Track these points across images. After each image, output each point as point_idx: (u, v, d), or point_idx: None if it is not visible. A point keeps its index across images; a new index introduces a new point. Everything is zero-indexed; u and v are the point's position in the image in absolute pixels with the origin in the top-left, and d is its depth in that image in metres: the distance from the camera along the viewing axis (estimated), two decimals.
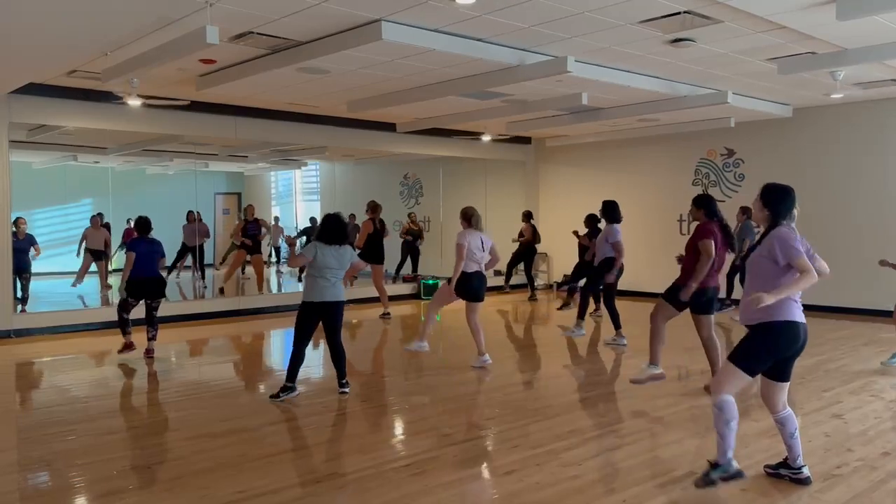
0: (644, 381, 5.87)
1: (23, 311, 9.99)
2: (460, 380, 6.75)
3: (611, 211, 8.44)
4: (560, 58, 7.28)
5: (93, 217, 12.39)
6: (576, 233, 10.78)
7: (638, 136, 12.81)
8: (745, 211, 10.08)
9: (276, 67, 7.29)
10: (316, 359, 7.76)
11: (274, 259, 16.89)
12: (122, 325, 7.64)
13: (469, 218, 6.93)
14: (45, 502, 3.97)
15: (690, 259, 5.91)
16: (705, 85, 9.19)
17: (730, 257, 6.23)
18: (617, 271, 8.43)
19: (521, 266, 13.24)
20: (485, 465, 4.55)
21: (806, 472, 4.01)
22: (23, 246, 9.93)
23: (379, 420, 5.59)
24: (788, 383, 3.96)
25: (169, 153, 13.60)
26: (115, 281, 11.91)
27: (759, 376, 3.91)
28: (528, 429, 5.14)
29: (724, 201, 12.12)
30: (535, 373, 7.45)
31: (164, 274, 8.10)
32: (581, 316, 8.33)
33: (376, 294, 11.00)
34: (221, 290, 12.43)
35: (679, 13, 6.04)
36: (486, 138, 13.57)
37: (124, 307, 7.63)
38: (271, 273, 16.31)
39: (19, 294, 10.05)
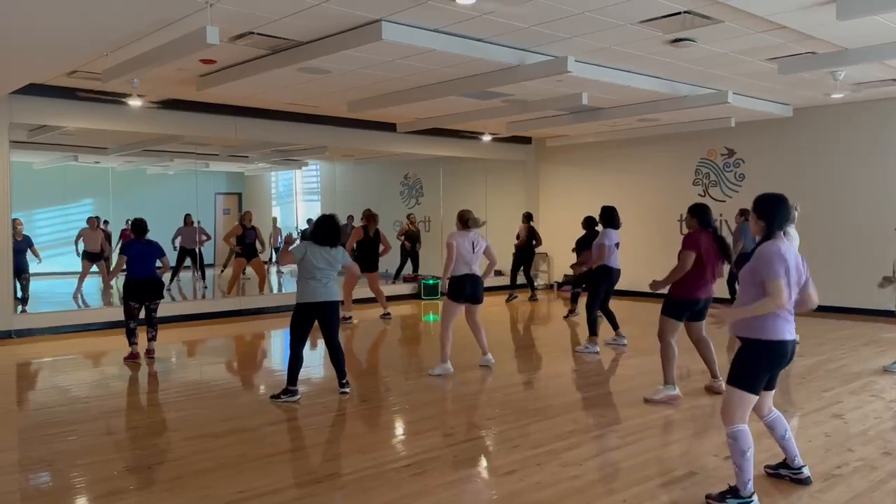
0: (658, 402, 5.83)
1: (23, 311, 10.00)
2: (460, 380, 6.76)
3: (608, 216, 8.42)
4: (560, 58, 7.28)
5: (89, 219, 12.36)
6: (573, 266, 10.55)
7: (638, 136, 12.80)
8: (743, 213, 10.08)
9: (277, 67, 7.29)
10: (316, 359, 7.77)
11: (275, 260, 16.91)
12: (128, 334, 7.63)
13: (465, 221, 6.91)
14: (47, 502, 3.97)
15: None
16: (705, 85, 9.19)
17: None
18: (608, 279, 8.37)
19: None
20: (485, 465, 4.55)
21: (806, 472, 4.01)
22: (20, 247, 9.95)
23: (379, 420, 5.59)
24: (774, 391, 3.95)
25: (169, 153, 13.61)
26: (115, 283, 11.93)
27: None
28: (529, 429, 5.14)
29: (724, 201, 12.15)
30: (535, 373, 7.45)
31: (167, 276, 8.07)
32: (594, 332, 8.24)
33: (374, 296, 10.98)
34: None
35: (679, 13, 6.04)
36: (486, 138, 13.57)
37: (128, 312, 7.61)
38: (272, 273, 16.33)
39: (19, 294, 10.06)
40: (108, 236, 13.00)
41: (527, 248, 12.82)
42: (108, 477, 4.25)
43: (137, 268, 7.58)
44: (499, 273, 13.78)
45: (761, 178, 11.57)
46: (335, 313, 6.05)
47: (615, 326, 8.55)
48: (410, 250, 13.92)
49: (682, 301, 5.85)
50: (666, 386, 5.87)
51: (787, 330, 3.67)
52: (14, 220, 9.64)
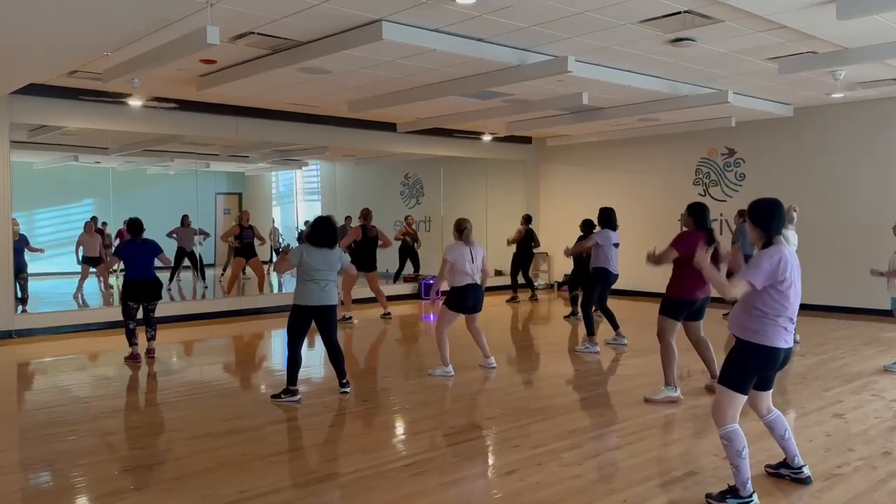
0: (658, 402, 5.83)
1: (24, 311, 10.01)
2: (461, 380, 6.76)
3: (605, 217, 8.42)
4: (560, 57, 7.28)
5: (86, 223, 12.29)
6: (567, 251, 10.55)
7: (639, 135, 12.80)
8: (742, 214, 10.08)
9: (277, 67, 7.29)
10: (316, 359, 7.77)
11: (275, 259, 16.90)
12: (128, 335, 7.61)
13: (461, 231, 6.89)
14: (47, 502, 3.97)
15: (676, 267, 5.88)
16: (706, 84, 9.19)
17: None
18: (605, 281, 8.37)
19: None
20: (485, 464, 4.56)
21: (806, 471, 4.00)
22: (17, 246, 9.94)
23: (379, 420, 5.59)
24: (771, 391, 3.96)
25: (170, 153, 13.61)
26: (114, 281, 11.94)
27: None
28: (529, 429, 5.14)
29: (724, 201, 12.14)
30: (535, 373, 7.45)
31: (169, 267, 8.02)
32: (591, 332, 8.24)
33: (375, 296, 10.98)
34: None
35: (679, 13, 6.04)
36: (486, 138, 13.57)
37: (126, 313, 7.59)
38: (271, 274, 16.33)
39: (19, 294, 10.06)
40: (106, 239, 12.98)
41: (525, 249, 12.81)
42: (108, 477, 4.25)
43: (135, 268, 7.56)
44: (499, 273, 13.80)
45: (762, 178, 11.57)
46: (333, 316, 6.04)
47: (615, 326, 8.55)
48: (410, 251, 13.91)
49: (679, 301, 5.85)
50: (667, 387, 5.87)
51: (784, 338, 3.67)
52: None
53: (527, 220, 12.94)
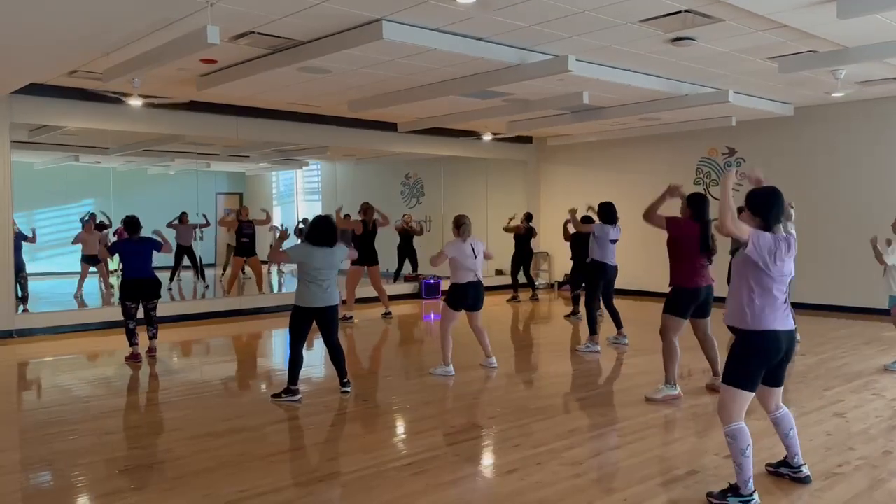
0: (658, 400, 5.83)
1: (24, 310, 10.01)
2: (461, 379, 6.76)
3: (604, 212, 8.46)
4: (561, 57, 7.28)
5: (86, 222, 12.19)
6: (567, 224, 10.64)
7: (639, 135, 12.80)
8: (741, 211, 10.07)
9: (278, 67, 7.29)
10: (316, 359, 7.77)
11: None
12: (128, 335, 7.60)
13: (459, 226, 6.88)
14: (48, 502, 3.98)
15: (671, 257, 5.89)
16: (706, 84, 9.19)
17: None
18: (603, 276, 8.37)
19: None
20: (486, 464, 4.56)
21: (805, 470, 4.00)
22: (15, 244, 9.93)
23: (380, 419, 5.59)
24: (781, 387, 3.94)
25: (170, 153, 13.60)
26: (115, 281, 11.93)
27: None
28: (530, 428, 5.14)
29: None
30: (536, 372, 7.45)
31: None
32: (593, 332, 8.23)
33: (376, 294, 10.99)
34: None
35: (680, 12, 6.04)
36: (487, 138, 13.56)
37: (125, 312, 7.58)
38: (273, 273, 16.33)
39: (19, 294, 10.06)
40: (104, 238, 12.94)
41: (524, 248, 12.80)
42: (108, 476, 4.26)
43: (132, 267, 7.55)
44: (499, 272, 13.79)
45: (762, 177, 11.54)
46: (334, 317, 6.03)
47: (619, 325, 8.54)
48: (408, 249, 13.90)
49: (682, 291, 5.80)
50: (667, 385, 5.87)
51: (779, 320, 3.64)
52: None
53: (528, 217, 12.95)
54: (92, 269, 11.97)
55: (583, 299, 9.23)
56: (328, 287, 5.92)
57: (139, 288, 7.55)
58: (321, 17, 6.02)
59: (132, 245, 7.59)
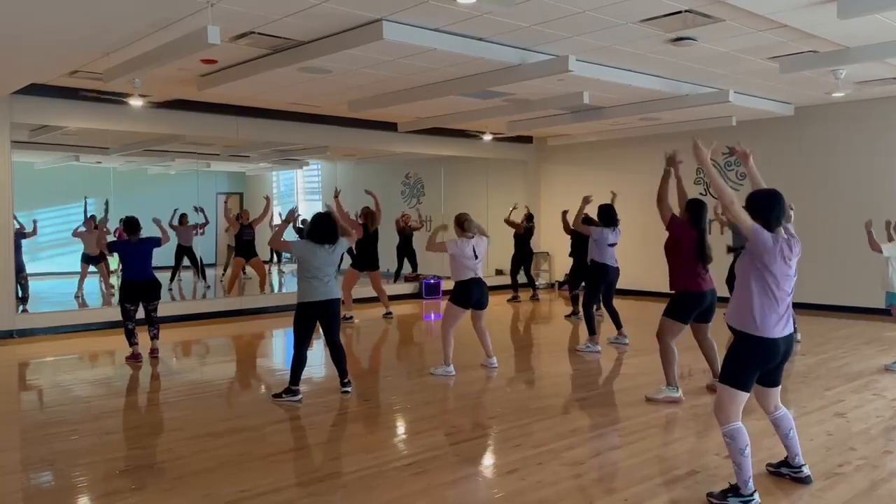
0: (659, 400, 5.82)
1: (25, 311, 10.01)
2: (462, 379, 6.76)
3: (603, 215, 8.45)
4: (561, 57, 7.28)
5: (87, 221, 12.14)
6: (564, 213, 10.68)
7: (639, 135, 12.79)
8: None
9: (278, 67, 7.29)
10: (317, 359, 7.77)
11: (275, 259, 16.89)
12: (128, 336, 7.59)
13: (461, 224, 6.88)
14: (48, 502, 3.98)
15: (670, 261, 5.88)
16: (707, 84, 9.19)
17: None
18: (604, 277, 8.37)
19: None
20: (486, 464, 4.55)
21: (806, 470, 4.00)
22: (16, 244, 9.92)
23: (380, 419, 5.59)
24: (779, 387, 3.94)
25: (171, 153, 13.60)
26: (115, 281, 11.92)
27: None
28: (530, 428, 5.14)
29: None
30: (536, 372, 7.45)
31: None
32: (592, 332, 8.22)
33: (377, 295, 10.98)
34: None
35: (680, 12, 6.04)
36: (487, 138, 13.56)
37: (124, 314, 7.57)
38: (273, 273, 16.32)
39: (19, 294, 10.06)
40: (103, 237, 12.91)
41: (524, 248, 12.80)
42: (109, 476, 4.26)
43: (132, 268, 7.54)
44: (499, 272, 13.78)
45: (762, 177, 11.52)
46: (337, 311, 6.05)
47: (618, 325, 8.54)
48: (407, 249, 13.89)
49: (689, 296, 5.76)
50: (668, 387, 5.86)
51: (780, 326, 3.65)
52: None
53: (528, 217, 12.95)
54: (92, 268, 11.97)
55: (581, 300, 9.24)
56: (328, 281, 5.95)
57: (139, 290, 7.55)
58: (321, 17, 6.02)
59: (131, 246, 7.59)
